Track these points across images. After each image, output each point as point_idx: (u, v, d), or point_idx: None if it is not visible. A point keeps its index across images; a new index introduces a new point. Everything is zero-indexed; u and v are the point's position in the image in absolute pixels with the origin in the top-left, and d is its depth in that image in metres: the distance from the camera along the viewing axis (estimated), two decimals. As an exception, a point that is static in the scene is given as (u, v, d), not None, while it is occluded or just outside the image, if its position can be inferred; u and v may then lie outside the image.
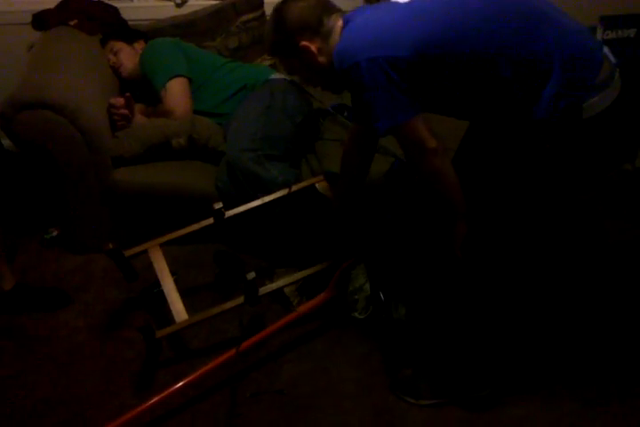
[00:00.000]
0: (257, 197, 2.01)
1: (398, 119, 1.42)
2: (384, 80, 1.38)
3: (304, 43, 1.51)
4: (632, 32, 2.69)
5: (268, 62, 2.72)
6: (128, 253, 1.87)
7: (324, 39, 1.51)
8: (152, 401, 1.59)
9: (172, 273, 1.87)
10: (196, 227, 1.95)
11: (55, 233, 2.36)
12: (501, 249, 1.56)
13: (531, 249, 1.68)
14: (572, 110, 1.36)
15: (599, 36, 2.64)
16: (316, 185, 2.05)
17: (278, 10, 1.54)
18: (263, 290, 1.80)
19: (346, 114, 2.38)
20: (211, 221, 1.94)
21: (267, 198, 1.98)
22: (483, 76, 1.41)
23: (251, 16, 2.68)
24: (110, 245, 1.80)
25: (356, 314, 1.93)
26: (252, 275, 1.67)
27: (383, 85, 1.39)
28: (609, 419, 1.63)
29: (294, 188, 1.99)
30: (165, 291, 1.80)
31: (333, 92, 1.72)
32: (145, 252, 1.90)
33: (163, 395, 1.61)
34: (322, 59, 1.53)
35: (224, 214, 1.93)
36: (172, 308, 1.76)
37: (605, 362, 1.79)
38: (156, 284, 1.91)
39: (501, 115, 1.46)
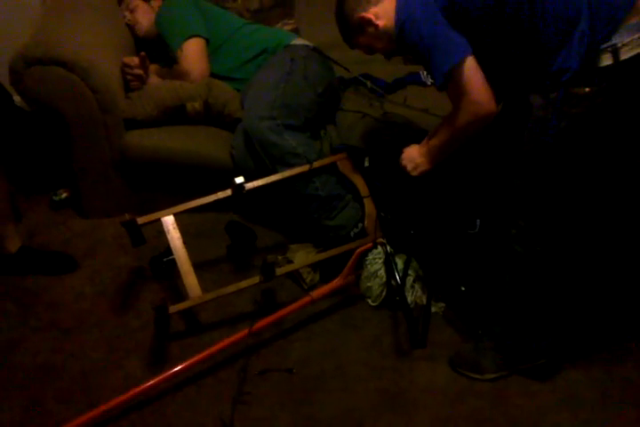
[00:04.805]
0: (274, 168, 1.94)
1: (455, 58, 1.40)
2: (437, 22, 1.39)
3: (361, 15, 1.55)
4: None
5: (289, 27, 2.62)
6: (141, 220, 1.81)
7: (375, 3, 1.55)
8: (160, 378, 1.56)
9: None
10: (212, 198, 1.88)
11: (65, 195, 2.30)
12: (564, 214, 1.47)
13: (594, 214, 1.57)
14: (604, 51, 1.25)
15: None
16: (338, 163, 1.97)
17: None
18: (280, 271, 1.76)
19: (370, 85, 2.28)
20: (228, 193, 1.88)
21: (287, 173, 1.90)
22: (512, 25, 1.35)
23: (273, -23, 2.58)
24: (127, 216, 1.76)
25: (369, 301, 1.88)
26: (272, 258, 1.66)
27: (434, 28, 1.39)
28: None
29: (316, 164, 1.92)
30: (179, 263, 1.75)
31: (386, 57, 1.70)
32: (158, 220, 1.84)
33: (171, 372, 1.57)
34: (381, 22, 1.55)
35: (244, 189, 1.87)
36: (184, 281, 1.72)
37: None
38: (166, 253, 1.87)
39: (529, 65, 1.41)
